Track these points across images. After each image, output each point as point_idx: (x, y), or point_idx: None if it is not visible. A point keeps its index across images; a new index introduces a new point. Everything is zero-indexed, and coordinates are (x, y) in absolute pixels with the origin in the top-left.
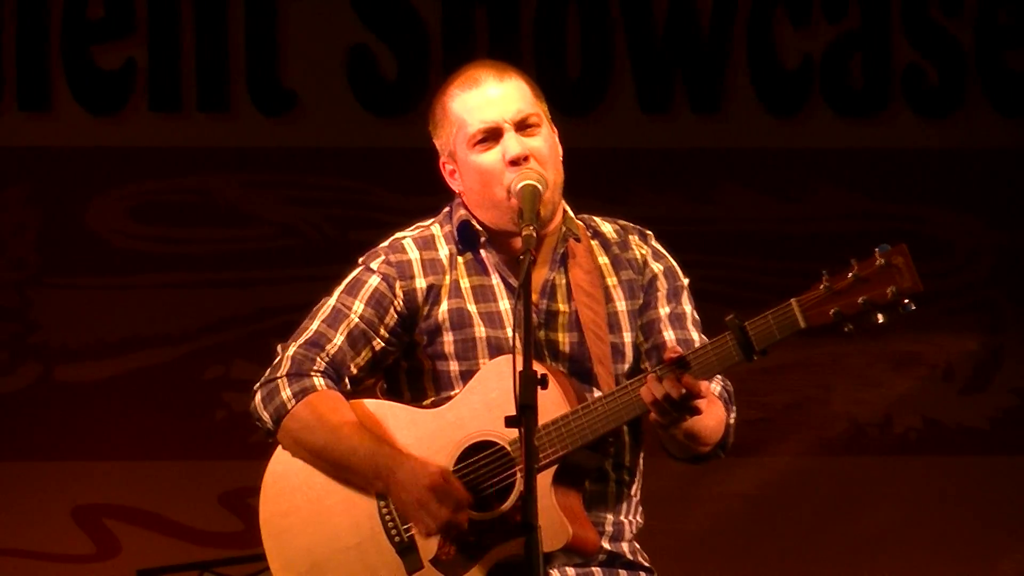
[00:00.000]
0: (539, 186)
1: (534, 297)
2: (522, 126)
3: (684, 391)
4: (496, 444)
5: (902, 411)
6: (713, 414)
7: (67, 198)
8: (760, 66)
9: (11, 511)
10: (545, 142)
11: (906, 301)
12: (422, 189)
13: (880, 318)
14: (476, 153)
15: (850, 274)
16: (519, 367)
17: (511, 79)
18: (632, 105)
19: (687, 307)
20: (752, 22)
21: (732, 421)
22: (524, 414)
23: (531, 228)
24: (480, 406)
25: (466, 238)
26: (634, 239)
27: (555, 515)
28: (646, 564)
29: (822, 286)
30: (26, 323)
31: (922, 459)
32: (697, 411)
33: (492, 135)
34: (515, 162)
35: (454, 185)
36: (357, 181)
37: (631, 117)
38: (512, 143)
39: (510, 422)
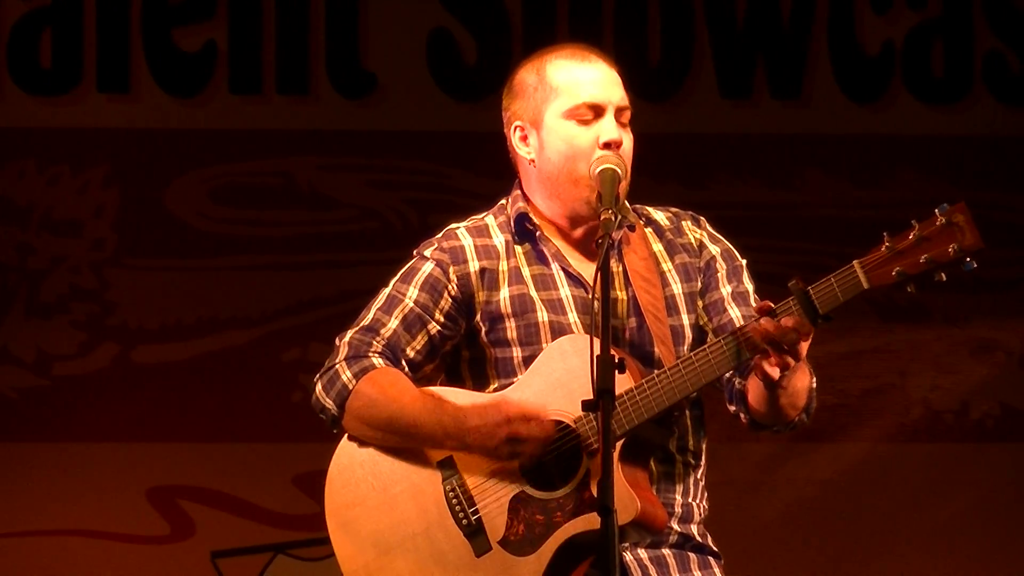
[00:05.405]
0: (619, 172)
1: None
2: (620, 116)
3: (786, 331)
4: (561, 423)
5: (979, 397)
6: (806, 372)
7: (146, 180)
8: (841, 52)
9: (87, 492)
10: (631, 141)
11: (968, 259)
12: (500, 173)
13: (943, 276)
14: (572, 125)
15: (912, 234)
16: (596, 351)
17: (614, 68)
18: (712, 91)
19: (749, 285)
20: (833, 8)
21: (814, 386)
22: (602, 399)
23: (610, 212)
24: (544, 386)
25: (523, 230)
26: (687, 224)
27: (622, 488)
28: (714, 549)
29: (884, 247)
30: (104, 304)
31: (999, 446)
32: (799, 356)
33: (596, 112)
34: (608, 145)
35: (522, 151)
36: (436, 165)
37: (711, 103)
38: (612, 127)
39: (587, 406)
